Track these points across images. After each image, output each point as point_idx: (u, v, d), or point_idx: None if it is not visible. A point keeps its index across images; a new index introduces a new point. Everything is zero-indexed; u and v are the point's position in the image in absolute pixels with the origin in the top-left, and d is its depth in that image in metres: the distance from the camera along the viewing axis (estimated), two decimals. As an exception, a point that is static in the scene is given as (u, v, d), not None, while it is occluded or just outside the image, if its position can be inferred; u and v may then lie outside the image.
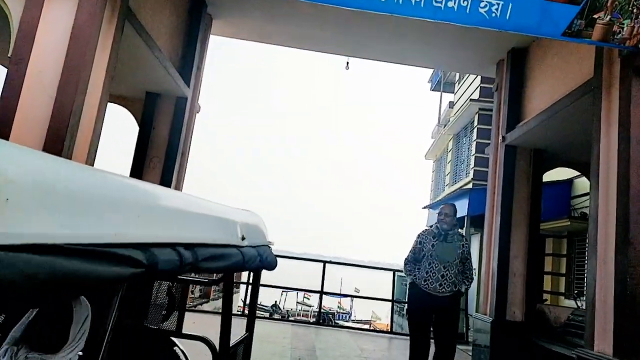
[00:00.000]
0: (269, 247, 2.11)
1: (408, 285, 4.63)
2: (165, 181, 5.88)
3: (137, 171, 5.88)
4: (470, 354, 6.57)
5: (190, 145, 6.51)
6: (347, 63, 7.38)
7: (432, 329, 4.52)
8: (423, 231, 4.74)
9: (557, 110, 5.20)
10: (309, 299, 34.73)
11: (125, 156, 6.10)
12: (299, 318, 31.31)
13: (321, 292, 8.68)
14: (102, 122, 4.04)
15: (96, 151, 3.98)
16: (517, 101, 6.33)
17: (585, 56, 4.57)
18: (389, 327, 23.93)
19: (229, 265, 1.44)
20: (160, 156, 5.98)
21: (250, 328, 2.32)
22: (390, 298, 9.08)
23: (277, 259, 2.16)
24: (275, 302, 34.42)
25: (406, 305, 5.86)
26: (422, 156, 20.74)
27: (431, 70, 21.26)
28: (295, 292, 35.08)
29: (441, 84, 19.56)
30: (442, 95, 19.93)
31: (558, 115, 5.25)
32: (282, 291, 34.99)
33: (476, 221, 9.45)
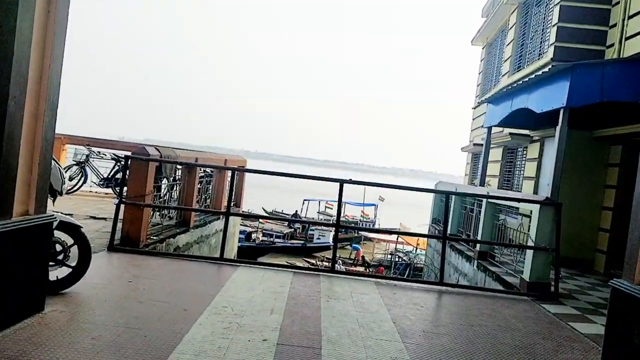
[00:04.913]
0: None
1: None
2: None
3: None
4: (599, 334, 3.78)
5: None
6: None
7: None
8: None
9: None
10: (331, 208, 32.86)
11: None
12: (319, 228, 29.65)
13: (337, 225, 5.85)
14: None
15: None
16: None
17: None
18: (418, 243, 21.75)
19: None
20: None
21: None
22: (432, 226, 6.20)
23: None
24: (296, 211, 32.76)
25: None
26: (467, 42, 16.75)
27: None
28: (317, 202, 33.44)
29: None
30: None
31: None
32: (304, 200, 33.36)
33: (578, 118, 6.19)
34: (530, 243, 5.84)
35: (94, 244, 5.86)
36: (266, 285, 4.81)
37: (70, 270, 3.96)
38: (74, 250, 3.97)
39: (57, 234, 3.88)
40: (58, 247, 3.91)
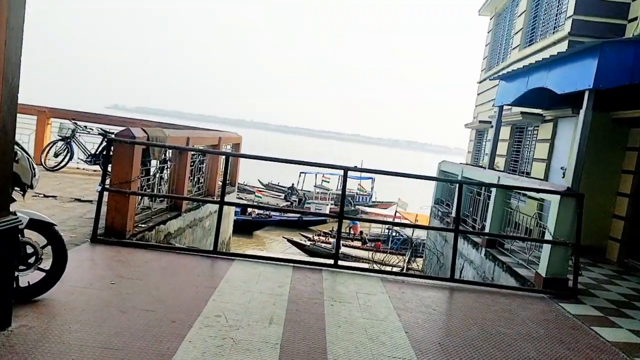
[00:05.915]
0: None
1: None
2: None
3: None
4: None
5: None
6: None
7: None
8: None
9: None
10: (327, 181, 32.43)
11: None
12: (315, 201, 29.30)
13: (340, 217, 5.41)
14: None
15: None
16: None
17: None
18: (417, 219, 21.45)
19: None
20: None
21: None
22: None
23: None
24: (293, 184, 32.33)
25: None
26: (473, 12, 15.95)
27: None
28: (314, 175, 32.95)
29: None
30: None
31: None
32: (300, 172, 32.88)
33: (597, 98, 5.72)
34: (547, 236, 5.44)
35: (76, 233, 5.42)
36: (264, 286, 4.39)
37: (44, 274, 3.53)
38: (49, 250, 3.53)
39: (29, 233, 3.43)
40: (29, 249, 3.45)
